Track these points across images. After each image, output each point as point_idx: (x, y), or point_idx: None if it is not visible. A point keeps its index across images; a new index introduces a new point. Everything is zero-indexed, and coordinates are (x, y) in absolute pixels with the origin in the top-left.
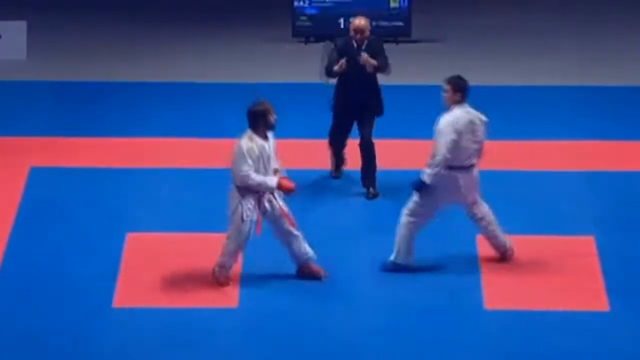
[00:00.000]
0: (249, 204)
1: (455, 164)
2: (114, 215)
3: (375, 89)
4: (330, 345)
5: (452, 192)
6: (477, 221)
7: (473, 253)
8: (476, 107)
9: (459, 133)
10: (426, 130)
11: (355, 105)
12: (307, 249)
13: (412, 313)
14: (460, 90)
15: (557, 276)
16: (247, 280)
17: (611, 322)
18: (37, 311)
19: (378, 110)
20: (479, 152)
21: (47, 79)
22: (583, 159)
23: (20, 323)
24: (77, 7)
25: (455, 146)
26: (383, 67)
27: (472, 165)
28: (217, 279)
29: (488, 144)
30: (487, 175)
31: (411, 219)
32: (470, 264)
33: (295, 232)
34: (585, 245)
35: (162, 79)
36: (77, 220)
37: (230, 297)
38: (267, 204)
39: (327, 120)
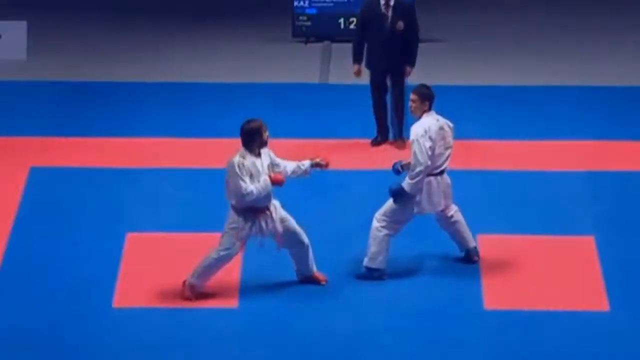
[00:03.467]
0: (247, 225)
1: (430, 170)
2: (114, 215)
3: (403, 48)
4: (330, 345)
5: (429, 198)
6: (448, 222)
7: None
8: (476, 106)
9: (433, 140)
10: None
11: (385, 65)
12: (312, 263)
13: (412, 313)
14: (428, 99)
15: (557, 276)
16: (247, 280)
17: (611, 322)
18: (37, 311)
19: (411, 62)
20: (449, 157)
21: (47, 79)
22: (583, 159)
23: (20, 323)
24: (77, 7)
25: (432, 153)
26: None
27: (444, 171)
28: (186, 291)
29: (489, 144)
30: (487, 176)
31: (385, 224)
32: (470, 264)
33: (304, 243)
34: (585, 245)
35: (162, 79)
36: (77, 220)
37: (230, 297)
38: (263, 224)
39: (327, 120)
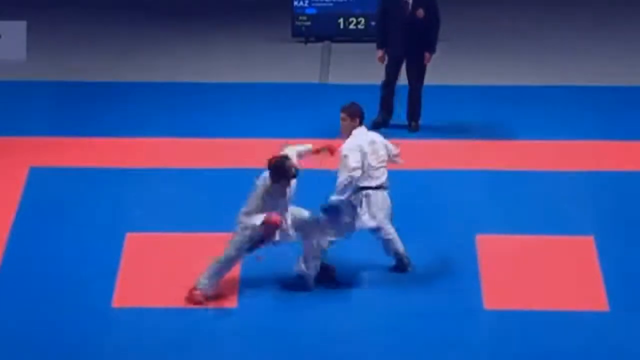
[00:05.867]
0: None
1: (365, 184)
2: (114, 215)
3: (422, 36)
4: (330, 345)
5: (369, 210)
6: (384, 239)
7: (472, 253)
8: (476, 107)
9: (364, 154)
10: (426, 130)
11: (403, 52)
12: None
13: (412, 313)
14: (358, 116)
15: (557, 276)
16: (247, 280)
17: (611, 322)
18: (37, 311)
19: (431, 49)
20: (385, 171)
21: (47, 79)
22: (583, 159)
23: (20, 323)
24: (78, 7)
25: (362, 167)
26: (432, 19)
27: (381, 185)
28: (197, 297)
29: (489, 144)
30: (487, 176)
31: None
32: (470, 264)
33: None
34: (585, 245)
35: (163, 78)
36: (77, 220)
37: (230, 297)
38: (275, 234)
39: (327, 120)
